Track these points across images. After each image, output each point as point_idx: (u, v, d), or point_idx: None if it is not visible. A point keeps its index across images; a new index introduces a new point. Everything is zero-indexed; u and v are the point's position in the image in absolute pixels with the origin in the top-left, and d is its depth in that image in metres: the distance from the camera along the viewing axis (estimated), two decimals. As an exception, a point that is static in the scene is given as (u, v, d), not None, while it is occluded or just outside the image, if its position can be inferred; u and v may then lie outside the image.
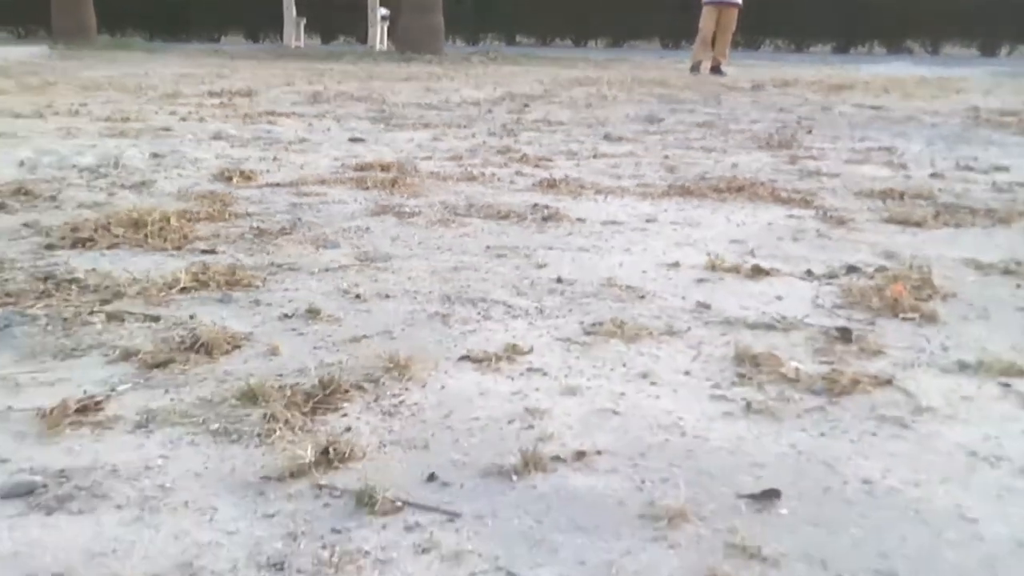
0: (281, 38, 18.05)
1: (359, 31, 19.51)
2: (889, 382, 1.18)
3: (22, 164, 2.73)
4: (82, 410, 1.07)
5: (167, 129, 3.62)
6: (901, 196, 2.64)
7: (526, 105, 5.41)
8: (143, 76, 7.52)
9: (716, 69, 10.44)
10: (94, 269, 1.64)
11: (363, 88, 6.68)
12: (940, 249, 1.97)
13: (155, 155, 2.87)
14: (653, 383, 1.18)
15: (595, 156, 3.31)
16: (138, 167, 2.68)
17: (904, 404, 1.11)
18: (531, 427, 1.04)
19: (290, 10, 16.00)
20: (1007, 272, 1.79)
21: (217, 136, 3.53)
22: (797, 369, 1.20)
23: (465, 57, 12.78)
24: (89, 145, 3.15)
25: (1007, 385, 1.19)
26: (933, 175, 3.09)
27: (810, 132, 4.26)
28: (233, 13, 21.41)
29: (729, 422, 1.06)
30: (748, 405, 1.10)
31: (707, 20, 10.38)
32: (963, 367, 1.25)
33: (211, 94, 5.64)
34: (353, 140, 3.50)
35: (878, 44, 18.75)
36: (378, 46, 15.69)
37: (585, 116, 4.85)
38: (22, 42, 16.65)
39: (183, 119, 4.25)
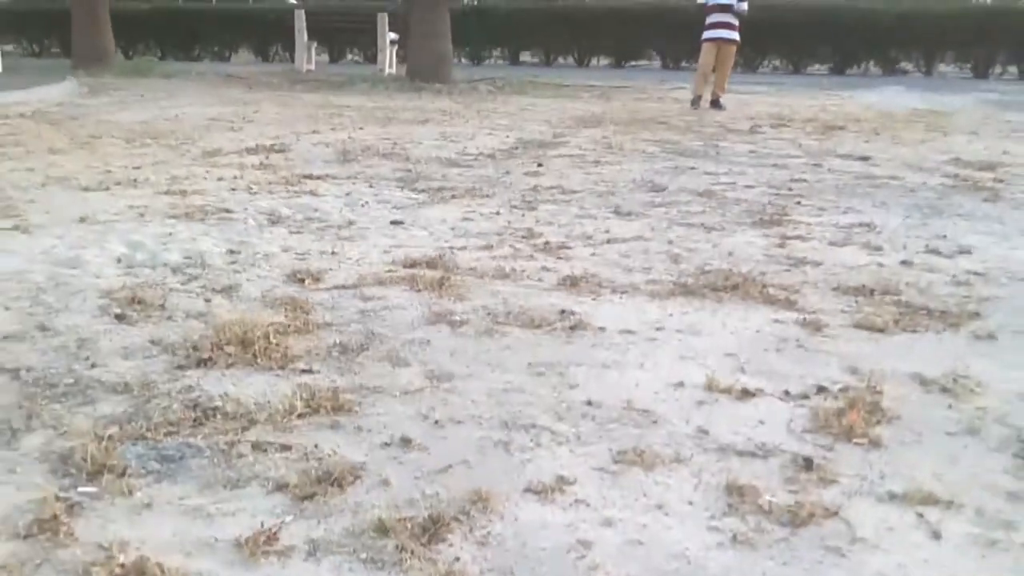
0: (292, 59, 18.52)
1: (366, 46, 19.96)
2: (836, 513, 1.64)
3: (119, 261, 3.19)
4: (267, 540, 1.53)
5: (227, 211, 4.07)
6: (871, 293, 3.10)
7: (540, 165, 5.85)
8: (176, 120, 7.97)
9: (715, 102, 10.91)
10: (226, 393, 2.09)
11: (384, 136, 7.13)
12: (895, 361, 2.43)
13: (231, 251, 3.32)
14: (667, 514, 1.63)
15: (608, 240, 3.76)
16: (220, 267, 3.14)
17: (845, 534, 1.57)
18: (583, 556, 1.49)
19: (302, 34, 16.47)
20: (944, 390, 2.24)
21: (273, 218, 3.98)
22: (770, 502, 1.66)
23: (472, 86, 13.25)
24: (166, 234, 3.61)
25: (921, 515, 1.64)
26: (904, 262, 3.55)
27: (799, 203, 4.72)
28: (243, 31, 21.90)
29: (721, 551, 1.52)
30: (734, 536, 1.56)
31: (706, 56, 10.84)
32: (892, 497, 1.71)
33: (248, 151, 6.10)
34: (394, 223, 3.96)
35: (873, 64, 19.22)
36: (387, 69, 16.19)
37: (595, 179, 5.31)
38: (40, 61, 17.04)
39: (233, 188, 4.71)
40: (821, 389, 2.22)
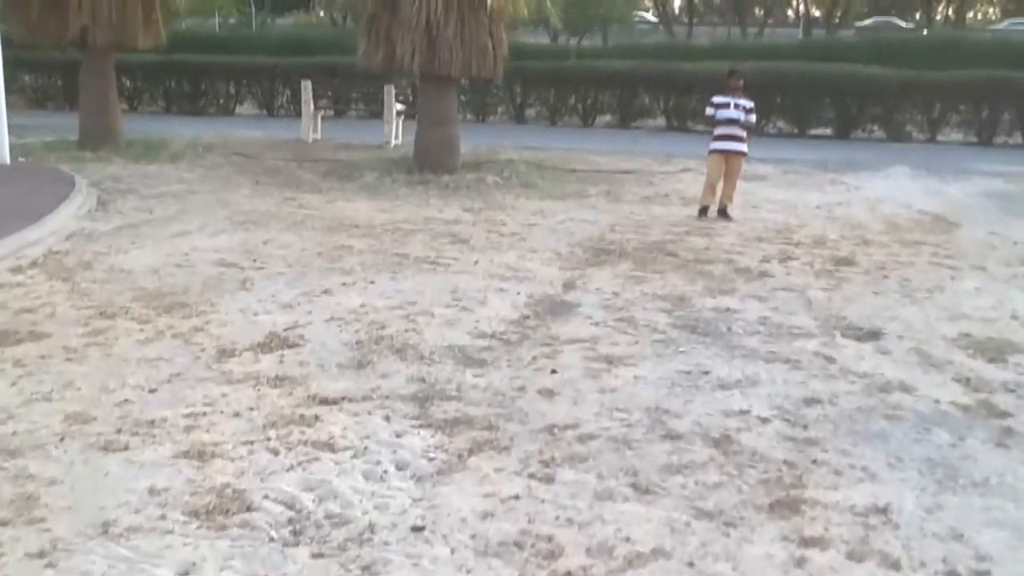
0: (297, 112, 18.43)
1: (372, 102, 19.93)
2: None
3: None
4: None
5: (248, 508, 4.09)
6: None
7: (553, 371, 5.86)
8: (186, 266, 8.00)
9: (723, 212, 10.97)
10: None
11: (396, 304, 7.09)
12: None
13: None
14: None
15: (629, 561, 3.78)
16: (248, 650, 3.16)
17: None
18: None
19: (308, 106, 16.51)
20: None
21: (295, 523, 4.00)
22: None
23: (480, 176, 13.28)
24: (191, 564, 3.64)
25: None
26: (920, 594, 3.58)
27: (815, 461, 4.74)
28: (248, 84, 21.91)
29: None
30: None
31: (714, 168, 10.89)
32: None
33: (261, 347, 6.11)
34: (415, 529, 3.97)
35: (877, 128, 19.26)
36: (393, 141, 16.24)
37: (610, 403, 5.32)
38: (46, 122, 16.88)
39: (251, 442, 4.72)
40: None
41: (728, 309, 7.37)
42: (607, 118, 20.68)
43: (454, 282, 7.88)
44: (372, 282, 7.83)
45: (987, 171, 14.81)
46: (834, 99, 18.92)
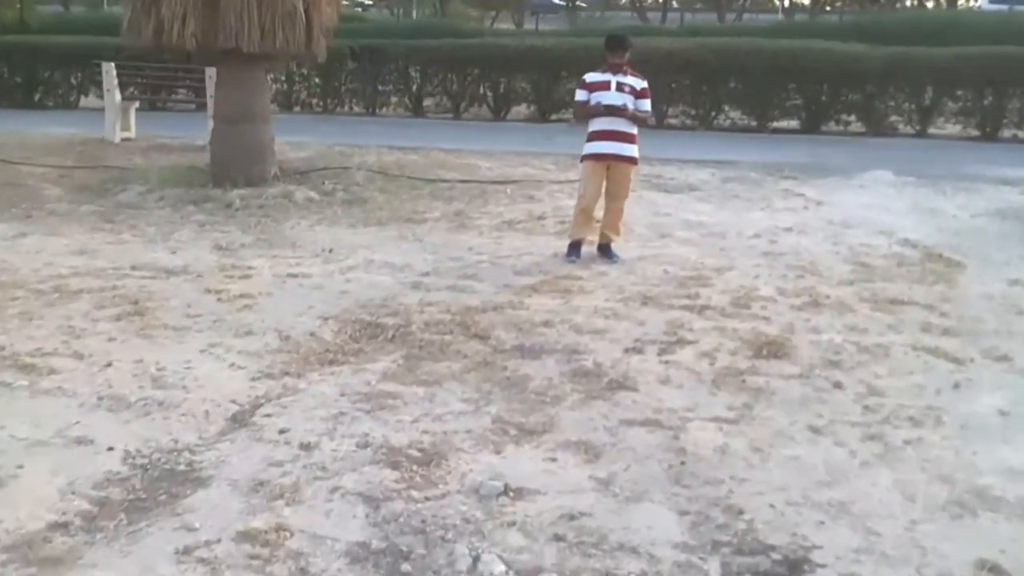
0: (149, 103, 14.44)
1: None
2: None
3: None
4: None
5: None
6: None
7: None
8: None
9: (604, 249, 7.19)
10: None
11: None
12: None
13: None
14: None
15: None
16: None
17: None
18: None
19: (112, 95, 12.67)
20: None
21: None
22: None
23: (294, 189, 9.50)
24: None
25: None
26: None
27: None
28: (92, 71, 18.00)
29: None
30: None
31: (590, 183, 7.09)
32: None
33: None
34: None
35: (855, 119, 15.49)
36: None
37: None
38: None
39: None
40: None
41: (508, 492, 3.61)
42: (525, 109, 16.84)
43: (20, 417, 4.11)
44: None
45: (996, 177, 11.03)
46: (801, 84, 15.14)
